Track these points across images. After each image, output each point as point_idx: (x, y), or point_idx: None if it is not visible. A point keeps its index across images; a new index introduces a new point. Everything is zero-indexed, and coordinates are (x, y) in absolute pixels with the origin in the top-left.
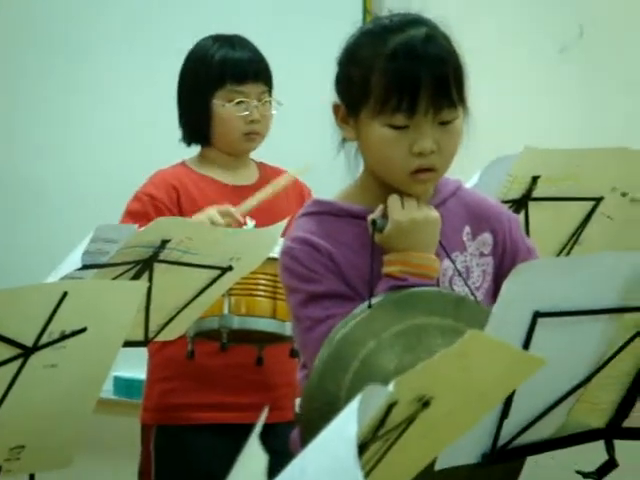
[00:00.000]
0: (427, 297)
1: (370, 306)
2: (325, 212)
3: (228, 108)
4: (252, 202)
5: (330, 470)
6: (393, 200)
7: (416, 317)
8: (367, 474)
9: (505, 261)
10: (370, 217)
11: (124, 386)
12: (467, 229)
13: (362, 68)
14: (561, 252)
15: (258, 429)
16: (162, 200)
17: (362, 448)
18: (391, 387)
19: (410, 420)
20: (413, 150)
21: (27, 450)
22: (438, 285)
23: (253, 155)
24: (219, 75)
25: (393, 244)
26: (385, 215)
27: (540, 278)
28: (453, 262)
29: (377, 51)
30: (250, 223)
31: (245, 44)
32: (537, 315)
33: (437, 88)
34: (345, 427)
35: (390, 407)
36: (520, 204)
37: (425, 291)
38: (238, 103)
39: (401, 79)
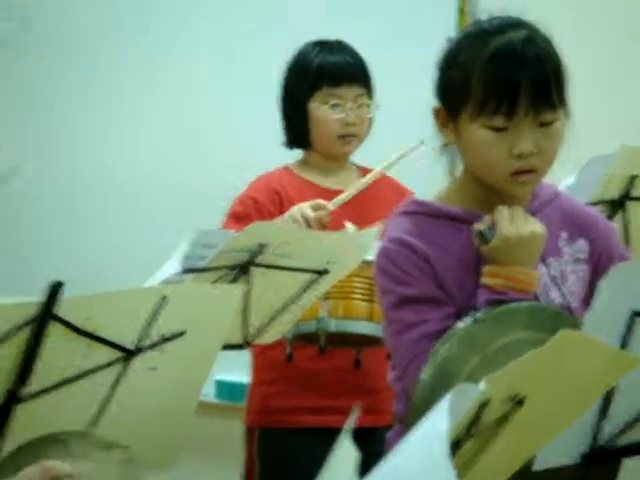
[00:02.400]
0: (527, 311)
1: (475, 320)
2: (422, 212)
3: (324, 110)
4: (343, 196)
5: (422, 466)
6: (501, 212)
7: (517, 331)
8: (464, 472)
9: (600, 268)
10: (476, 227)
11: (227, 389)
12: (564, 235)
13: (462, 71)
14: None
15: (349, 428)
16: (264, 204)
17: (456, 445)
18: (482, 385)
19: (505, 419)
20: (513, 152)
21: (132, 450)
22: (536, 296)
23: (356, 159)
24: (315, 78)
25: (498, 257)
26: (492, 226)
27: (638, 277)
28: (548, 269)
29: (477, 54)
30: (351, 227)
31: (344, 48)
32: (635, 314)
33: (537, 90)
34: (437, 424)
35: (483, 405)
36: (618, 204)
37: (525, 305)
38: (334, 105)
39: (500, 81)
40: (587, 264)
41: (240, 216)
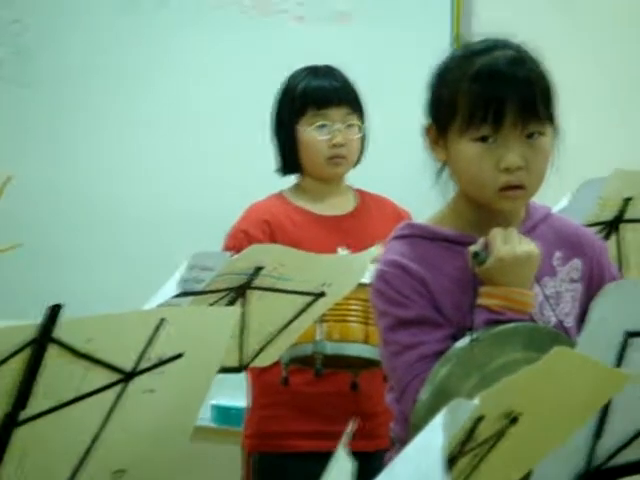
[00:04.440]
0: (525, 332)
1: (473, 340)
2: (417, 235)
3: (310, 132)
4: None
5: None
6: (496, 234)
7: (515, 352)
8: None
9: (592, 287)
10: (471, 249)
11: (223, 414)
12: (558, 254)
13: (449, 89)
14: None
15: (346, 438)
16: (255, 235)
17: (451, 462)
18: (476, 401)
19: (499, 436)
20: (500, 166)
21: (128, 474)
22: (531, 317)
23: (354, 182)
24: (301, 102)
25: (493, 278)
26: (487, 247)
27: (630, 298)
28: (542, 288)
29: (463, 72)
30: (342, 252)
31: (331, 72)
32: (629, 335)
33: (523, 108)
34: (432, 440)
35: (477, 421)
36: (612, 226)
37: (524, 326)
38: (320, 127)
39: (485, 100)
40: (581, 283)
41: (234, 251)
